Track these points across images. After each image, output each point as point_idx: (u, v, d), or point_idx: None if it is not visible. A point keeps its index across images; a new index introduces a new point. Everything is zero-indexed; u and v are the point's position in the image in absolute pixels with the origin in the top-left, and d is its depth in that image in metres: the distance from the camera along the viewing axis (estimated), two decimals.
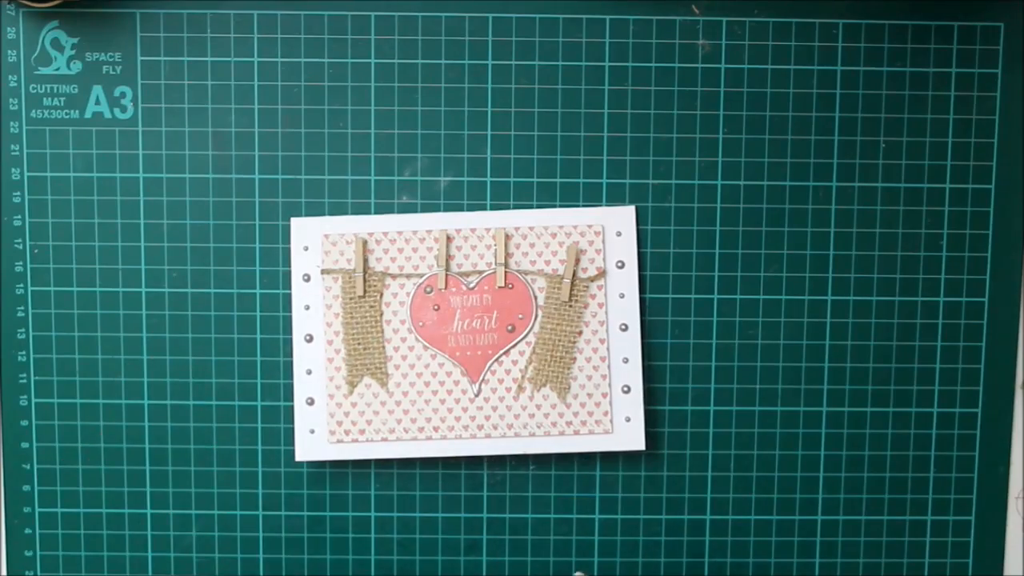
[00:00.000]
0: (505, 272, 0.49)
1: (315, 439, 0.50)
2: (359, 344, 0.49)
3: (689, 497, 0.53)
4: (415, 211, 0.51)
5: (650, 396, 0.52)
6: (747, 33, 0.51)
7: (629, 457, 0.52)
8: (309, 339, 0.50)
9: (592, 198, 0.51)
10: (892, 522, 0.53)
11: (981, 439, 0.53)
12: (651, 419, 0.52)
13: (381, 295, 0.49)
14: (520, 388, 0.49)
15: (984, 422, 0.53)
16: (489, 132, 0.51)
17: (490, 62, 0.51)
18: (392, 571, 0.53)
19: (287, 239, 0.51)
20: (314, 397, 0.50)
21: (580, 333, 0.50)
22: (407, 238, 0.49)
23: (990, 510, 0.53)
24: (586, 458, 0.53)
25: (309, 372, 0.50)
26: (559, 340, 0.49)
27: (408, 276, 0.49)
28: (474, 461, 0.53)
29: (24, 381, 0.52)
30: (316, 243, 0.50)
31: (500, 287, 0.49)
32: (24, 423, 0.52)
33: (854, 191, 0.52)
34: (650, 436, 0.51)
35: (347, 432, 0.49)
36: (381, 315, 0.49)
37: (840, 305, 0.52)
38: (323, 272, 0.49)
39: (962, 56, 0.51)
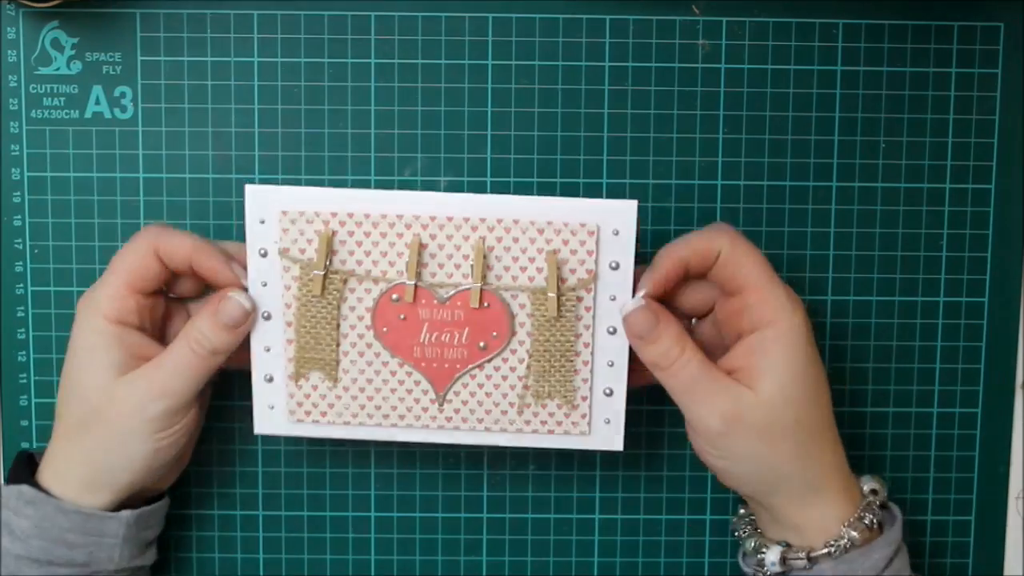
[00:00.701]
0: (481, 292, 0.45)
1: (274, 415, 0.47)
2: (313, 340, 0.46)
3: (689, 497, 0.53)
4: None
5: (650, 396, 0.52)
6: (747, 33, 0.51)
7: (629, 457, 0.52)
8: (267, 316, 0.46)
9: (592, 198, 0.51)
10: None
11: (981, 439, 0.53)
12: (652, 419, 0.52)
13: (341, 296, 0.45)
14: (524, 404, 0.47)
15: (984, 422, 0.53)
16: (489, 132, 0.51)
17: (490, 62, 0.51)
18: (392, 571, 0.53)
19: None
20: (273, 374, 0.47)
21: (579, 336, 0.46)
22: (380, 233, 0.45)
23: (990, 510, 0.53)
24: (587, 458, 0.53)
25: (268, 349, 0.46)
26: (554, 352, 0.47)
27: (375, 280, 0.45)
28: (474, 461, 0.53)
29: (24, 381, 0.52)
30: (273, 218, 0.45)
31: (475, 308, 0.45)
32: (24, 423, 0.52)
33: (854, 191, 0.52)
34: (650, 436, 0.51)
35: (308, 413, 0.47)
36: (339, 317, 0.46)
37: (840, 305, 0.52)
38: (281, 253, 0.45)
39: (962, 56, 0.51)
